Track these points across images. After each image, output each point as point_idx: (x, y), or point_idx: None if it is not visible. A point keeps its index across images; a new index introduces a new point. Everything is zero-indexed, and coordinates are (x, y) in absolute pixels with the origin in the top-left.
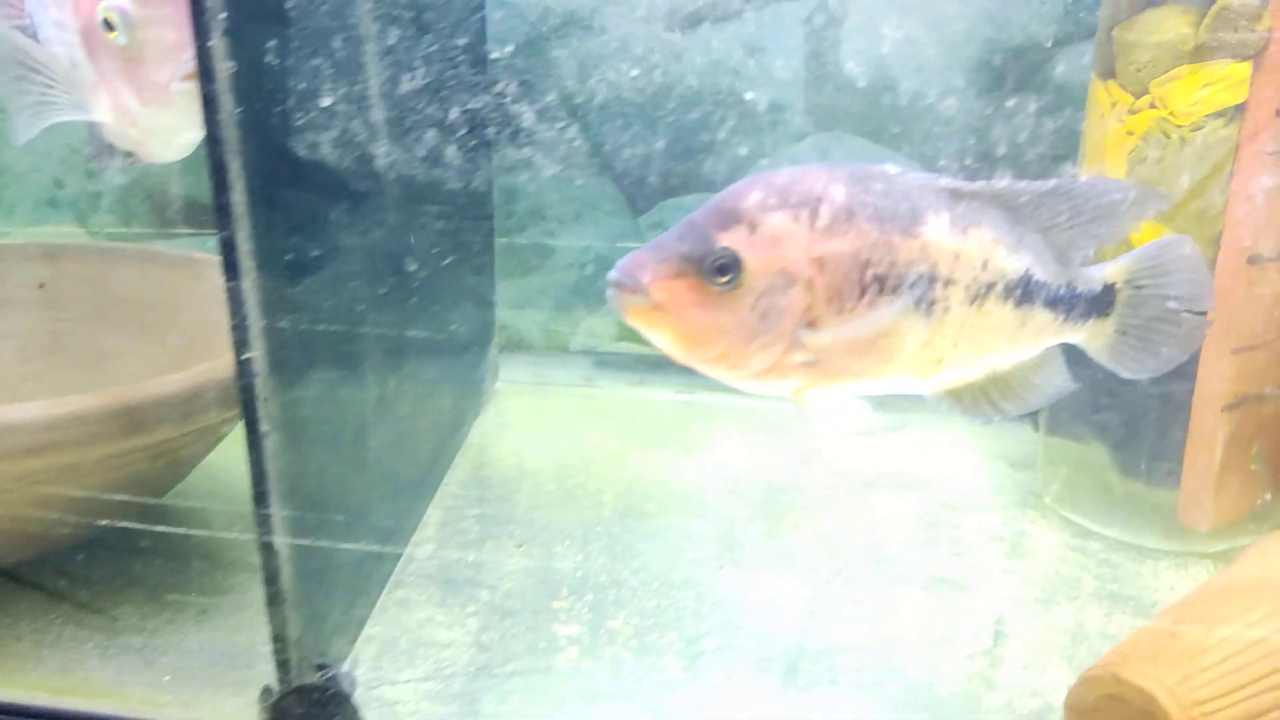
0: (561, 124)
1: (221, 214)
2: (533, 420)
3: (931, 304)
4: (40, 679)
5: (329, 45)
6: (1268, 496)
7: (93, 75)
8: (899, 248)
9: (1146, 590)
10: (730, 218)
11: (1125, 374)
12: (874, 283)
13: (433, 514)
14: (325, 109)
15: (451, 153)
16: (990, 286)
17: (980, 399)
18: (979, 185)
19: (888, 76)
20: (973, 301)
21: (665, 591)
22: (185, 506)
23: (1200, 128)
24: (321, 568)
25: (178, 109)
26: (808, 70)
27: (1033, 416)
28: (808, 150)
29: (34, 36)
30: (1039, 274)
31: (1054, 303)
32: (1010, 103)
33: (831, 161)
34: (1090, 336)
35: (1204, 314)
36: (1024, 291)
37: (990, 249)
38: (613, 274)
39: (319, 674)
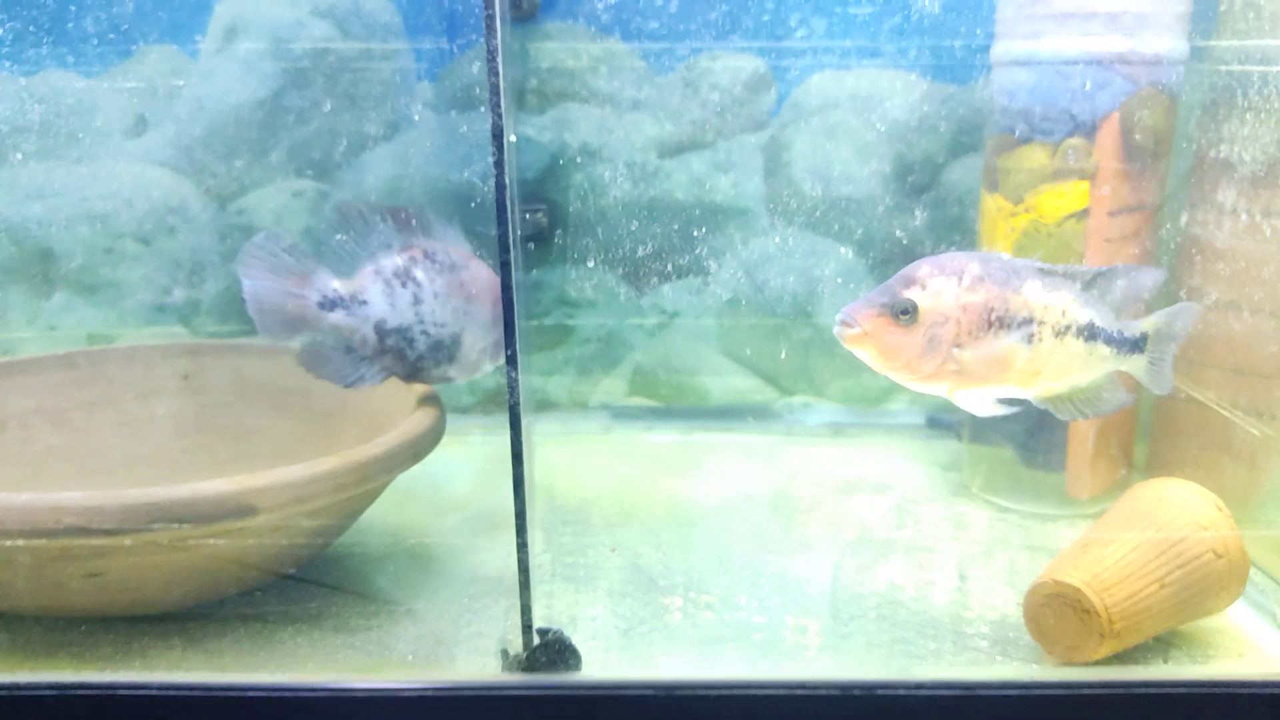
0: (578, 230)
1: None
2: (574, 462)
3: (1030, 336)
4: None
5: None
6: (1124, 472)
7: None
8: (1010, 300)
9: (1051, 540)
10: (910, 281)
11: (1155, 390)
12: (996, 321)
13: (536, 535)
14: None
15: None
16: (1068, 328)
17: (1070, 405)
18: (1059, 266)
19: (826, 185)
20: (1057, 336)
21: (732, 572)
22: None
23: (1061, 225)
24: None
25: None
26: (765, 183)
27: (958, 431)
28: (769, 244)
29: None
30: (1099, 322)
31: (1110, 341)
32: (920, 201)
33: (966, 251)
34: (1133, 367)
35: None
36: (1090, 332)
37: (1067, 303)
38: (839, 316)
39: (543, 636)
